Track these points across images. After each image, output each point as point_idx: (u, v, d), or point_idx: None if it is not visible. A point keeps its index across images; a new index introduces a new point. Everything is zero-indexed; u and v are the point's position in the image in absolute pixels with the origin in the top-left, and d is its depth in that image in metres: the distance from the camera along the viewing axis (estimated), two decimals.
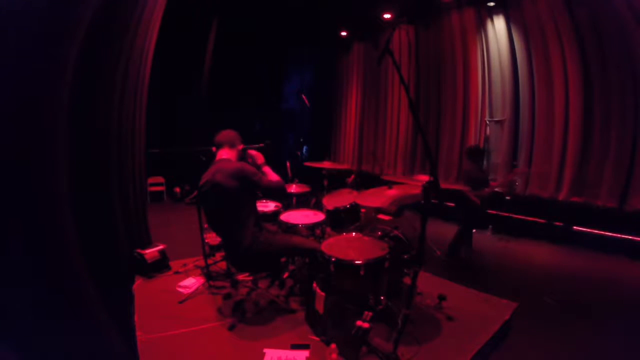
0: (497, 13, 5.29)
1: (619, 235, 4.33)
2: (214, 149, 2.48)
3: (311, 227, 2.97)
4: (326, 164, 3.50)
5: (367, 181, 3.63)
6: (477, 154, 3.80)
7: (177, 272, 3.21)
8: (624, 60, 3.97)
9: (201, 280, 3.02)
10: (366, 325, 1.90)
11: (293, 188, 3.41)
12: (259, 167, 2.45)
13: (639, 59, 3.87)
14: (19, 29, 1.16)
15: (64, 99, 1.55)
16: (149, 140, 3.66)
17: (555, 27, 4.55)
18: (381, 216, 3.15)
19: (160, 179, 6.73)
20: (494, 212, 5.33)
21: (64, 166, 1.52)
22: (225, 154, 2.40)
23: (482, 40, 5.51)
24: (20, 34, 1.17)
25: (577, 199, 4.42)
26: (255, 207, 2.46)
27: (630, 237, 4.23)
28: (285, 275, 2.79)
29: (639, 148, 3.97)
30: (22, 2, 1.16)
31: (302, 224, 2.87)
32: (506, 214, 5.16)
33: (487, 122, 5.36)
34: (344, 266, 2.17)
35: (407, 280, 2.64)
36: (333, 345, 1.95)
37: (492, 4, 5.31)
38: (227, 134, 2.48)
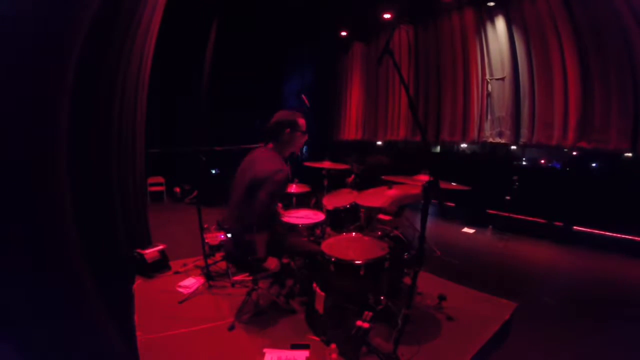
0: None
1: (619, 235, 4.34)
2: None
3: (311, 227, 2.96)
4: (326, 164, 3.49)
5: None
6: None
7: (177, 272, 3.21)
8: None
9: (201, 280, 3.02)
10: (366, 325, 1.90)
11: (293, 188, 3.41)
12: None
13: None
14: (19, 30, 1.16)
15: (65, 100, 1.55)
16: (149, 140, 3.66)
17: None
18: (381, 216, 3.14)
19: (160, 179, 6.73)
20: (494, 211, 5.35)
21: (64, 166, 1.52)
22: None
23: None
24: (21, 34, 1.17)
25: (585, 144, 4.42)
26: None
27: (630, 237, 4.24)
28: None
29: None
30: (23, 2, 1.17)
31: (302, 224, 2.87)
32: (506, 214, 5.16)
33: (488, 80, 5.48)
34: (344, 266, 2.17)
35: (407, 280, 2.64)
36: (333, 345, 1.95)
37: (492, 3, 5.34)
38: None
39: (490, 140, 5.49)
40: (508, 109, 5.27)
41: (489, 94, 5.49)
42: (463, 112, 5.86)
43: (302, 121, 2.47)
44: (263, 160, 2.34)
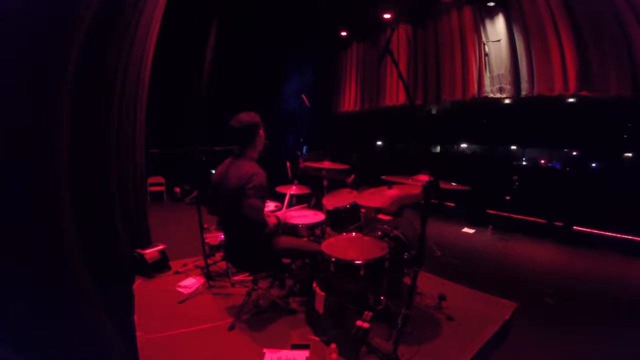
0: None
1: (619, 235, 4.34)
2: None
3: (311, 227, 2.96)
4: (326, 164, 3.49)
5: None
6: None
7: (177, 272, 3.21)
8: None
9: (201, 280, 3.02)
10: (366, 325, 1.90)
11: (293, 189, 3.41)
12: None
13: None
14: (19, 29, 1.16)
15: (65, 99, 1.55)
16: (149, 140, 3.66)
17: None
18: (381, 216, 3.14)
19: (160, 179, 6.73)
20: (494, 211, 5.35)
21: (64, 166, 1.52)
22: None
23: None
24: (21, 34, 1.17)
25: (587, 93, 4.46)
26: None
27: (630, 237, 4.25)
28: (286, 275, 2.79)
29: (630, 33, 4.08)
30: (22, 2, 1.17)
31: (302, 224, 2.87)
32: (506, 214, 5.17)
33: (485, 42, 5.62)
34: (344, 266, 2.17)
35: (407, 280, 2.64)
36: (333, 345, 1.95)
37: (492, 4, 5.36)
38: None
39: (491, 95, 5.55)
40: (507, 66, 5.37)
41: (486, 54, 5.62)
42: (462, 71, 5.93)
43: (260, 119, 2.43)
44: (235, 169, 2.29)
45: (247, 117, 2.36)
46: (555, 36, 4.68)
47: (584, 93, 4.46)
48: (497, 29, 5.40)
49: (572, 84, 4.54)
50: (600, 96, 4.36)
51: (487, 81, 5.57)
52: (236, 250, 2.47)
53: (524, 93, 5.12)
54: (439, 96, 6.29)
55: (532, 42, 4.98)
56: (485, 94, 5.58)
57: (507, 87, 5.33)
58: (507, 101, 6.24)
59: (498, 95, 5.46)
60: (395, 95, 7.14)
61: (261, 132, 2.40)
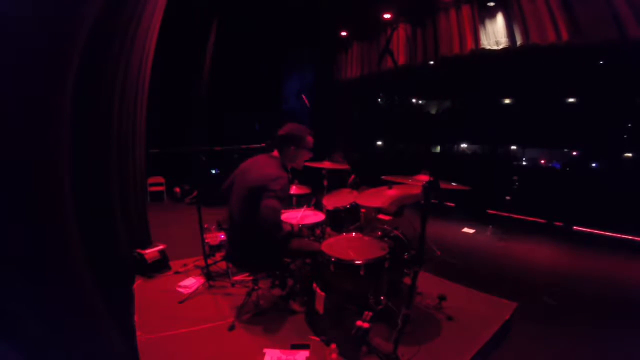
0: None
1: (619, 235, 4.35)
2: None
3: (311, 227, 2.96)
4: (326, 164, 3.49)
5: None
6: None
7: (177, 272, 3.21)
8: None
9: (201, 280, 3.02)
10: (366, 325, 1.90)
11: (293, 189, 3.41)
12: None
13: None
14: (20, 30, 1.16)
15: (65, 99, 1.55)
16: (149, 140, 3.66)
17: None
18: (381, 216, 3.14)
19: (160, 179, 6.73)
20: (494, 211, 5.36)
21: (65, 166, 1.52)
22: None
23: None
24: (22, 34, 1.17)
25: (579, 41, 4.59)
26: None
27: (630, 237, 4.25)
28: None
29: None
30: (23, 3, 1.17)
31: (302, 224, 2.87)
32: (506, 214, 5.17)
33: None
34: (344, 266, 2.17)
35: (407, 280, 2.64)
36: (333, 345, 1.95)
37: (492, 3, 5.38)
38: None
39: (488, 47, 5.74)
40: (500, 23, 5.54)
41: (480, 16, 5.80)
42: (458, 30, 6.03)
43: (310, 139, 2.46)
44: (261, 166, 2.34)
45: (287, 127, 2.43)
46: None
47: (576, 40, 4.62)
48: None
49: (564, 34, 4.69)
50: (591, 43, 4.52)
51: (483, 35, 5.78)
52: (237, 247, 2.46)
53: (519, 43, 5.28)
54: (437, 52, 6.34)
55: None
56: (483, 47, 5.76)
57: (503, 39, 5.51)
58: (507, 101, 6.28)
59: (495, 47, 5.66)
60: (395, 56, 7.11)
61: (293, 147, 2.39)
